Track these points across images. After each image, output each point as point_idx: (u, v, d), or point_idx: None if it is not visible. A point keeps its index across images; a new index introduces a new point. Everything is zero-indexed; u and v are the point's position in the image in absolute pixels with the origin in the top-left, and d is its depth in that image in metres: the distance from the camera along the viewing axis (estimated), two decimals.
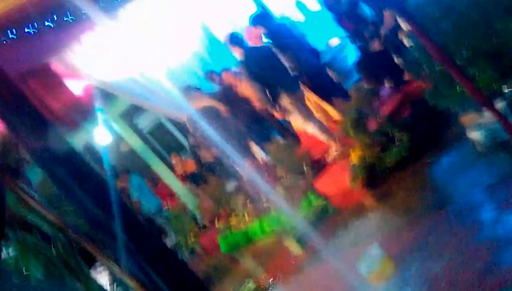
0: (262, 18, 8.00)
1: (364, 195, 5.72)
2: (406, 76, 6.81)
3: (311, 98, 7.65)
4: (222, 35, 9.73)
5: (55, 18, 8.60)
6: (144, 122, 14.27)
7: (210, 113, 8.09)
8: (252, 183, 7.35)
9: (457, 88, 4.63)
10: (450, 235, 3.69)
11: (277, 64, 7.23)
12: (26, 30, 8.70)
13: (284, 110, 7.29)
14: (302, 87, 7.46)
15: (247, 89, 7.74)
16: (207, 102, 8.35)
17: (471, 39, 4.74)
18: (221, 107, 8.20)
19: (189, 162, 11.14)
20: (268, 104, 7.33)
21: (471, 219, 3.68)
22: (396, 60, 7.07)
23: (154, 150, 13.22)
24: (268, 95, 7.19)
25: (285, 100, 6.99)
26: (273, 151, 7.35)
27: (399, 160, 5.38)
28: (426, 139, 5.41)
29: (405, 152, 5.36)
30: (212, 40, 10.49)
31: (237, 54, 7.62)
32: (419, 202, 4.59)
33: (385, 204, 5.20)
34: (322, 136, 7.01)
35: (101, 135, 12.28)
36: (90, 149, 12.29)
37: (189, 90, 8.74)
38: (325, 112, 7.71)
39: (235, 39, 7.70)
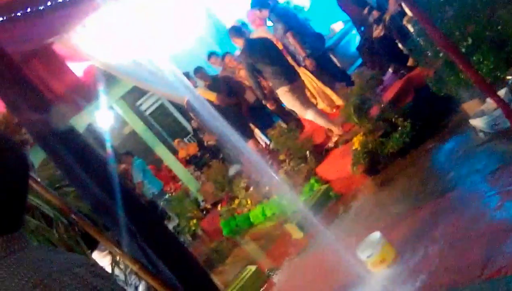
0: (265, 4, 7.98)
1: (366, 180, 5.73)
2: (410, 62, 6.78)
3: (313, 84, 7.65)
4: (226, 20, 9.72)
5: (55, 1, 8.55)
6: (147, 105, 14.29)
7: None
8: (254, 168, 7.37)
9: (460, 75, 4.62)
10: (451, 222, 3.70)
11: (276, 55, 7.30)
12: (28, 10, 8.65)
13: (279, 102, 7.56)
14: (303, 73, 7.47)
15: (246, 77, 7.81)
16: (205, 95, 8.42)
17: (475, 26, 4.71)
18: (217, 100, 8.28)
19: (191, 145, 11.18)
20: (263, 97, 7.55)
21: (472, 206, 3.68)
22: (399, 46, 7.05)
23: (156, 133, 13.24)
24: (264, 87, 7.47)
25: (282, 90, 7.08)
26: (276, 136, 7.36)
27: (401, 146, 5.37)
28: (428, 126, 5.40)
29: (407, 138, 5.34)
30: (216, 25, 10.47)
31: (238, 45, 7.77)
32: (420, 188, 4.59)
33: (386, 190, 5.20)
34: (321, 123, 7.01)
35: (104, 118, 12.29)
36: (93, 131, 12.29)
37: (188, 77, 8.76)
38: (327, 98, 7.72)
39: (236, 31, 7.79)
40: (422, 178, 4.75)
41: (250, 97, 8.74)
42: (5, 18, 8.49)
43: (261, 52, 7.17)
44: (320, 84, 7.74)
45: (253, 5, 8.02)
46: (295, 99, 7.05)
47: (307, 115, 7.10)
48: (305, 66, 7.68)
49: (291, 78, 7.12)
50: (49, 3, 8.29)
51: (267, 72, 7.12)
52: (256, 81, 7.27)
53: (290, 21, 7.65)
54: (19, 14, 8.56)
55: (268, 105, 7.69)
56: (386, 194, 5.14)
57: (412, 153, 5.30)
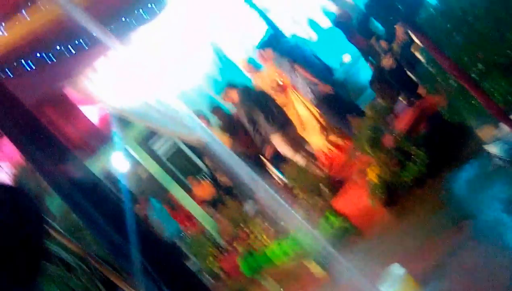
0: (271, 40, 8.11)
1: (384, 212, 5.67)
2: (421, 91, 6.78)
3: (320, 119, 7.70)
4: (233, 55, 9.83)
5: (68, 44, 8.70)
6: (161, 147, 14.34)
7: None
8: (270, 204, 7.33)
9: (473, 102, 4.61)
10: (472, 251, 3.64)
11: (269, 105, 7.93)
12: (39, 57, 8.81)
13: (273, 147, 8.02)
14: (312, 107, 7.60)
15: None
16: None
17: (484, 51, 4.72)
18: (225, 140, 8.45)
19: (206, 183, 11.14)
20: (258, 145, 8.07)
21: (492, 233, 3.63)
22: (410, 75, 7.06)
23: (171, 174, 13.22)
24: (259, 134, 8.00)
25: (274, 137, 7.74)
26: (289, 171, 7.35)
27: (416, 176, 5.33)
28: (443, 154, 5.36)
29: (423, 168, 5.31)
30: (223, 60, 10.57)
31: (233, 96, 8.27)
32: (438, 217, 4.55)
33: (405, 221, 5.15)
34: (312, 170, 7.33)
35: (119, 161, 12.34)
36: (108, 175, 12.35)
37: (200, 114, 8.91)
38: (339, 130, 7.73)
39: (230, 85, 8.39)
40: (440, 207, 4.70)
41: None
42: (15, 64, 8.66)
43: (255, 102, 7.84)
44: (331, 116, 7.74)
45: (258, 46, 8.17)
46: (287, 145, 7.66)
47: (298, 160, 7.55)
48: (317, 95, 7.70)
49: (284, 126, 7.72)
50: (58, 48, 8.44)
51: (260, 121, 7.77)
52: (252, 129, 7.91)
53: (294, 56, 7.72)
54: (29, 60, 8.73)
55: (266, 152, 8.11)
56: (404, 225, 5.09)
57: (429, 181, 5.26)
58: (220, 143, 7.38)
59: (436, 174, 5.23)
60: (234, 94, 8.16)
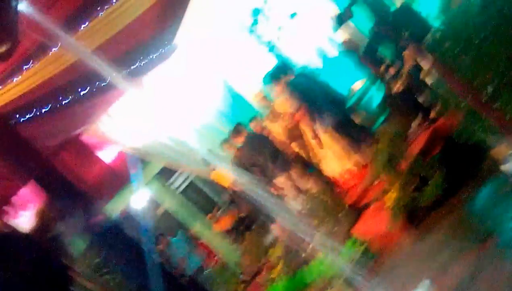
0: (281, 72, 8.20)
1: (405, 236, 5.65)
2: (432, 114, 6.80)
3: (338, 146, 7.73)
4: (245, 90, 9.94)
5: (82, 89, 8.85)
6: (178, 183, 14.42)
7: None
8: (290, 234, 7.35)
9: (486, 122, 4.63)
10: (495, 271, 3.63)
11: (271, 148, 8.27)
12: (56, 103, 8.97)
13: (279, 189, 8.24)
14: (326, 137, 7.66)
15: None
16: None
17: (494, 72, 4.75)
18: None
19: (225, 218, 11.16)
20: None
21: None
22: (421, 98, 7.08)
23: (190, 210, 13.28)
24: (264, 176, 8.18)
25: (279, 180, 8.06)
26: (307, 200, 7.36)
27: (434, 199, 5.32)
28: (459, 175, 5.36)
29: (440, 190, 5.30)
30: (234, 97, 10.68)
31: (239, 141, 8.54)
32: (459, 239, 4.53)
33: (425, 244, 5.13)
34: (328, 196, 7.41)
35: (137, 200, 12.43)
36: (128, 215, 12.40)
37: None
38: (354, 158, 7.74)
39: (236, 130, 8.65)
40: (460, 229, 4.69)
41: None
42: (32, 111, 8.81)
43: (259, 147, 8.24)
44: (345, 145, 7.77)
45: (267, 80, 8.24)
46: (290, 187, 7.93)
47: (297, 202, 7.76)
48: (332, 125, 7.75)
49: (285, 168, 8.06)
50: (71, 96, 8.59)
51: (264, 164, 8.08)
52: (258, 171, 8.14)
53: (304, 93, 7.80)
54: (45, 107, 8.88)
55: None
56: (425, 249, 5.07)
57: (447, 204, 5.25)
58: (235, 177, 7.47)
59: (454, 195, 5.22)
60: (240, 139, 8.51)
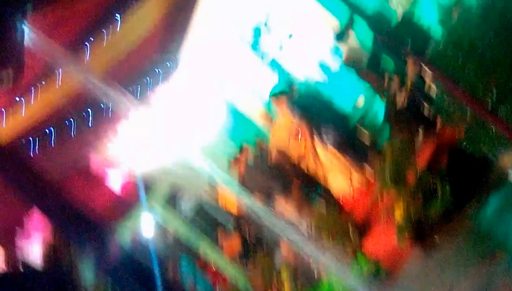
0: (284, 87, 8.18)
1: (414, 250, 5.53)
2: (438, 123, 6.70)
3: (344, 162, 7.66)
4: (248, 108, 9.91)
5: (88, 114, 8.86)
6: (186, 205, 14.34)
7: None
8: (300, 254, 7.24)
9: (491, 129, 4.54)
10: (505, 286, 3.52)
11: (273, 173, 8.33)
12: (62, 128, 8.96)
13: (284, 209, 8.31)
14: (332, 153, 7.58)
15: None
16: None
17: (498, 77, 4.68)
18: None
19: (234, 239, 11.06)
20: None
21: None
22: (425, 110, 6.99)
23: (199, 232, 13.18)
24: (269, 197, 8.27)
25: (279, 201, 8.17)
26: (315, 218, 7.26)
27: (442, 210, 5.21)
28: (467, 186, 5.25)
29: (448, 202, 5.19)
30: (237, 115, 10.64)
31: (243, 161, 8.76)
32: (470, 250, 4.43)
33: (435, 257, 5.03)
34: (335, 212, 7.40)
35: (146, 225, 12.37)
36: (137, 240, 12.35)
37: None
38: (361, 173, 7.65)
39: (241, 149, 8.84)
40: (470, 240, 4.58)
41: None
42: (39, 138, 8.79)
43: (264, 167, 8.40)
44: (351, 161, 7.68)
45: (270, 96, 8.24)
46: (290, 208, 7.96)
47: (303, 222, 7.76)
48: (336, 141, 7.68)
49: (287, 191, 8.11)
50: (77, 122, 8.59)
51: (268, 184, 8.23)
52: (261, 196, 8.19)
53: (308, 109, 7.75)
54: (52, 132, 8.86)
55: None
56: (435, 261, 4.97)
57: (456, 215, 5.14)
58: (242, 195, 7.40)
59: (462, 206, 5.11)
60: (244, 158, 8.73)
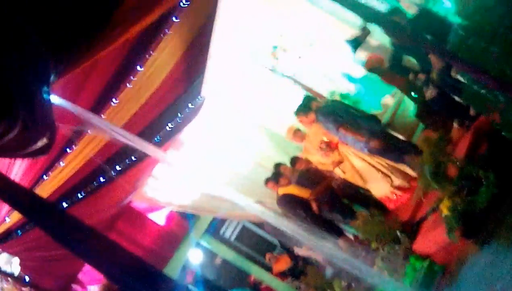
0: (308, 103, 8.19)
1: (467, 244, 5.42)
2: (472, 112, 6.61)
3: (383, 163, 7.60)
4: (280, 128, 9.93)
5: (122, 162, 9.03)
6: (230, 231, 14.42)
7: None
8: (350, 263, 7.18)
9: None
10: None
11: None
12: (102, 179, 9.16)
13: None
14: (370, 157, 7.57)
15: None
16: None
17: None
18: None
19: (283, 257, 11.06)
20: None
21: None
22: (456, 99, 6.90)
23: (247, 255, 13.23)
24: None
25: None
26: (361, 226, 7.20)
27: (490, 199, 5.10)
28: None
29: (494, 189, 5.08)
30: (272, 137, 10.67)
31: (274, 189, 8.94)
32: None
33: (491, 248, 4.91)
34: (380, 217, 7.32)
35: (194, 255, 12.45)
36: (187, 271, 12.41)
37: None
38: (401, 173, 7.59)
39: (270, 179, 8.95)
40: None
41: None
42: (79, 196, 8.96)
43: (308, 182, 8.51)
44: (389, 162, 7.64)
45: (297, 113, 8.24)
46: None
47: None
48: (370, 150, 7.65)
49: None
50: (113, 171, 8.77)
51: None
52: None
53: (338, 115, 7.73)
54: (93, 184, 9.04)
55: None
56: (492, 252, 4.84)
57: (504, 201, 5.03)
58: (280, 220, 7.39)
59: (511, 192, 5.00)
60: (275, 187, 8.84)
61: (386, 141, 7.63)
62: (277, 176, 8.80)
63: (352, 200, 8.56)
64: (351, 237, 8.30)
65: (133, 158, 9.11)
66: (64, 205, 8.64)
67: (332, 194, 8.48)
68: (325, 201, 8.50)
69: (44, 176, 7.93)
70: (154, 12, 6.00)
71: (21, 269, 9.11)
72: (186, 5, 7.35)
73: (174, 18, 7.39)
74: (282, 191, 8.61)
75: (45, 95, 3.67)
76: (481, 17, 5.04)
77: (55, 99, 4.99)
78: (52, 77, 3.85)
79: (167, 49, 7.84)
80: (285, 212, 8.50)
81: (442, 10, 7.67)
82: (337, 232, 8.17)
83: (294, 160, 8.99)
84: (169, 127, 9.54)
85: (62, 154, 7.87)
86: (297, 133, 8.83)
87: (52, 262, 9.51)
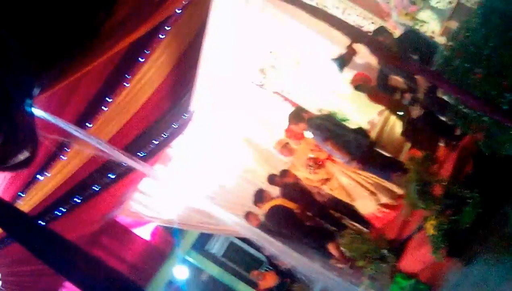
0: (300, 113, 8.21)
1: (453, 263, 5.43)
2: (457, 132, 6.66)
3: (369, 181, 7.60)
4: (267, 143, 9.94)
5: (107, 176, 8.97)
6: (217, 247, 14.34)
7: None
8: (335, 281, 7.15)
9: (510, 131, 4.50)
10: None
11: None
12: (86, 193, 9.08)
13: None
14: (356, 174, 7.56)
15: None
16: None
17: (509, 79, 4.65)
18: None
19: (269, 274, 10.99)
20: None
21: None
22: (443, 117, 6.94)
23: (232, 271, 13.16)
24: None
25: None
26: (347, 244, 7.19)
27: (475, 218, 5.12)
28: (497, 189, 5.17)
29: (479, 209, 5.11)
30: (262, 153, 10.67)
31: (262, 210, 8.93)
32: (509, 256, 4.33)
33: (476, 266, 4.92)
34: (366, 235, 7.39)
35: (180, 271, 12.35)
36: (173, 287, 12.31)
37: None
38: (387, 190, 7.60)
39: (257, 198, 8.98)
40: (508, 245, 4.49)
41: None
42: (67, 204, 8.86)
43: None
44: (376, 179, 7.66)
45: (288, 120, 8.29)
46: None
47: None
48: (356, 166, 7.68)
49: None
50: (97, 185, 8.70)
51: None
52: None
53: (327, 128, 7.75)
54: (78, 197, 8.96)
55: None
56: (477, 271, 4.85)
57: (489, 221, 5.05)
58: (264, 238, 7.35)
59: (495, 211, 5.02)
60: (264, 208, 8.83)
61: (370, 161, 7.65)
62: (260, 196, 8.88)
63: (341, 213, 8.60)
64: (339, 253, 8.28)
65: (118, 172, 9.04)
66: (47, 218, 8.53)
67: (320, 207, 8.53)
68: (314, 213, 8.54)
69: (26, 190, 7.84)
70: (143, 27, 5.99)
71: (1, 284, 8.99)
72: (175, 21, 7.37)
73: (160, 36, 7.42)
74: (269, 204, 8.62)
75: (27, 108, 3.63)
76: (465, 38, 5.08)
77: (38, 112, 4.95)
78: (35, 90, 3.81)
79: (157, 63, 7.84)
80: (273, 225, 8.48)
81: (427, 31, 7.80)
82: (327, 238, 8.15)
83: (283, 173, 9.04)
84: (156, 142, 9.50)
85: (46, 166, 7.80)
86: (286, 147, 8.90)
87: (33, 276, 9.39)
